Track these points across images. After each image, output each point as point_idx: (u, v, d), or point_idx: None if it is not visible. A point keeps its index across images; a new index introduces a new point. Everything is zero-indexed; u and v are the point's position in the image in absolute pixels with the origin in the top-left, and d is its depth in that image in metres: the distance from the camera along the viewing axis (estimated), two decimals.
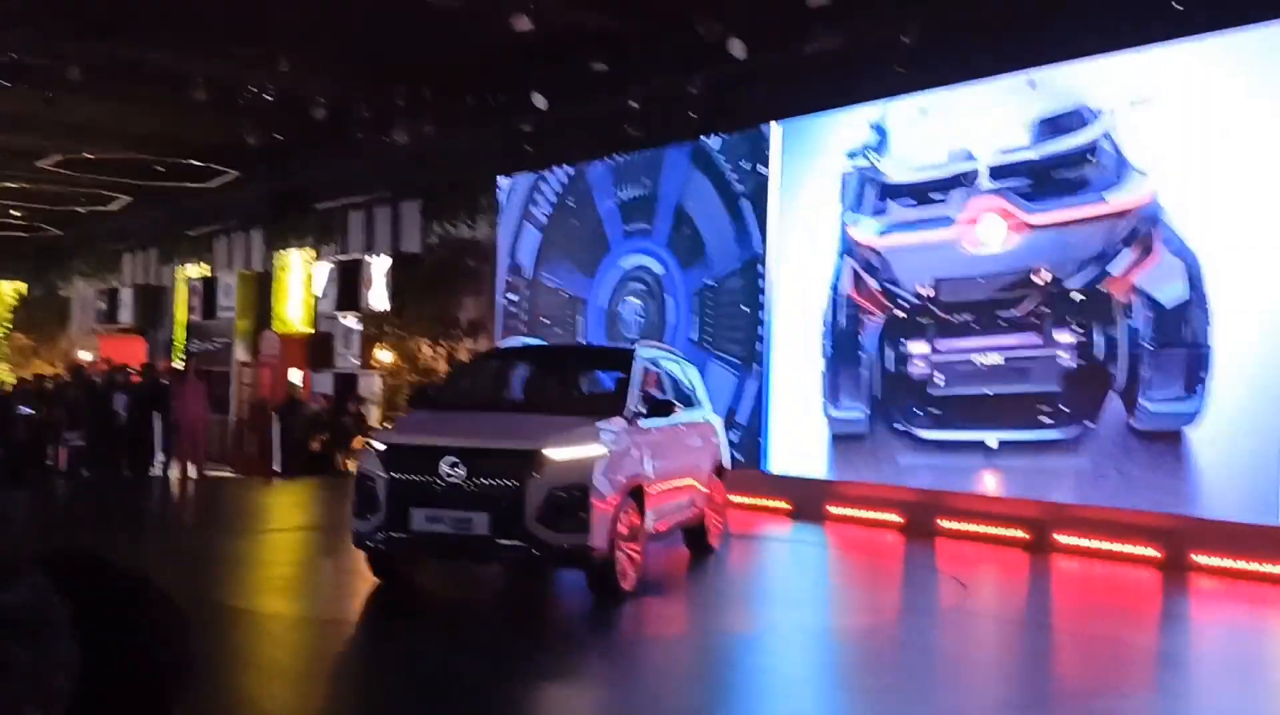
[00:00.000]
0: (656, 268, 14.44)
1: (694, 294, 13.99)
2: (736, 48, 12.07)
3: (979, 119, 11.06)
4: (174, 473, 15.73)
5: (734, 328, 13.52)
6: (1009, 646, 7.47)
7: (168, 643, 1.11)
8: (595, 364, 9.93)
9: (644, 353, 9.06)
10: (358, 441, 16.69)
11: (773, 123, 13.11)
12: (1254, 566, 9.01)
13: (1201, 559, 9.31)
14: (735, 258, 13.51)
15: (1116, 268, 10.05)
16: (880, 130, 11.95)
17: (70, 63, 14.06)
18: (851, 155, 12.19)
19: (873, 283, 11.97)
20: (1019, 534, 10.52)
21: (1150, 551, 9.65)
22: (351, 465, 17.05)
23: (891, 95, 11.73)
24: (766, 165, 13.18)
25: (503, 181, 16.74)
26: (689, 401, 9.63)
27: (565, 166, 15.71)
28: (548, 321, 15.75)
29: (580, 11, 12.65)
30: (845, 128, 12.35)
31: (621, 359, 9.01)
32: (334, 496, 13.86)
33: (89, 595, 1.06)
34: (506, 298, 16.44)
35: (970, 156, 11.09)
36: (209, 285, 23.08)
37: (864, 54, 11.82)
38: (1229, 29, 9.38)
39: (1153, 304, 9.79)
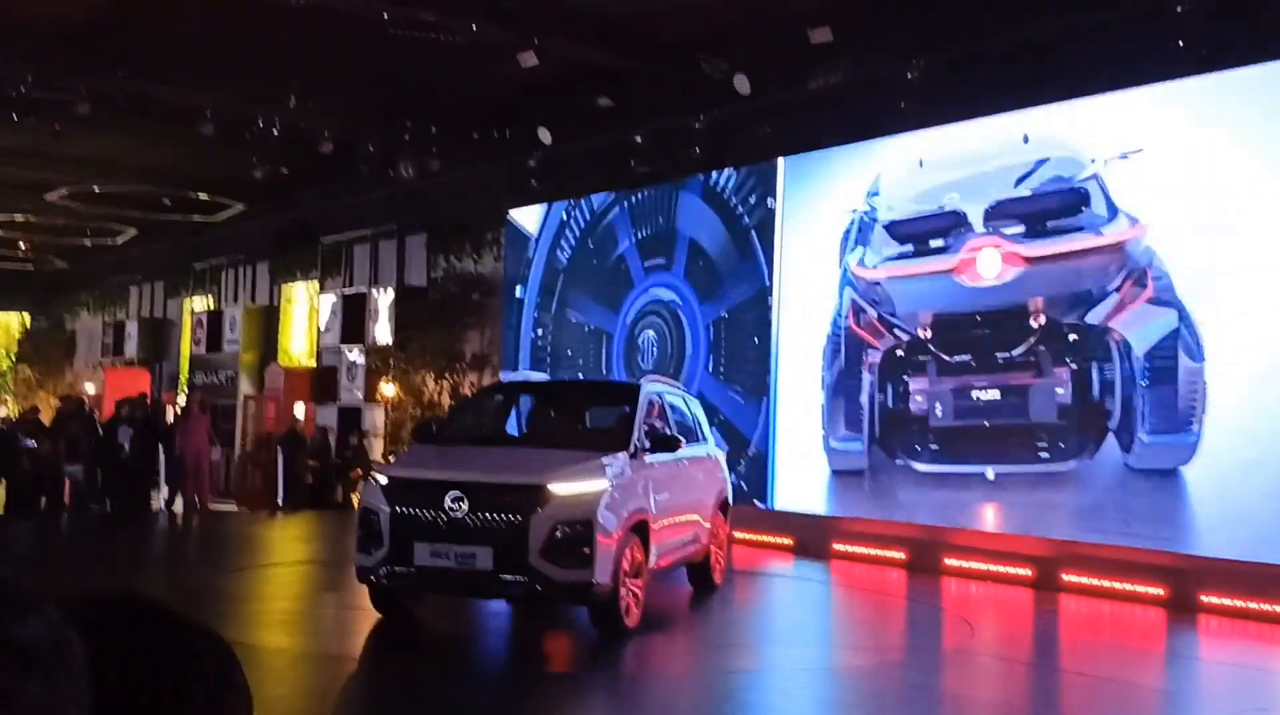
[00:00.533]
0: (676, 301, 14.48)
1: (710, 326, 14.02)
2: (741, 84, 12.17)
3: (975, 166, 11.15)
4: (178, 507, 15.68)
5: (745, 360, 13.54)
6: (1015, 687, 7.39)
7: (202, 678, 1.06)
8: (599, 399, 9.91)
9: (648, 387, 9.05)
10: (355, 474, 16.68)
11: (780, 158, 13.18)
12: (1261, 606, 8.92)
13: (1208, 598, 9.24)
14: (746, 289, 13.53)
15: (1109, 303, 10.09)
16: (879, 175, 12.04)
17: (78, 96, 14.18)
18: (853, 196, 12.25)
19: (873, 315, 12.01)
20: (1024, 572, 10.46)
21: (1156, 590, 9.58)
22: (355, 498, 17.02)
23: (895, 132, 11.80)
24: (774, 197, 13.24)
25: (520, 215, 16.74)
26: (693, 436, 9.60)
27: (582, 204, 15.77)
28: (572, 355, 15.78)
29: (586, 48, 12.77)
30: (849, 163, 12.42)
31: (626, 393, 8.99)
32: (337, 530, 13.81)
33: (113, 632, 1.03)
34: (534, 332, 16.45)
35: (966, 200, 11.16)
36: (214, 318, 23.12)
37: (868, 90, 11.90)
38: (1228, 68, 9.45)
39: (1145, 339, 9.81)
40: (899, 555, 11.47)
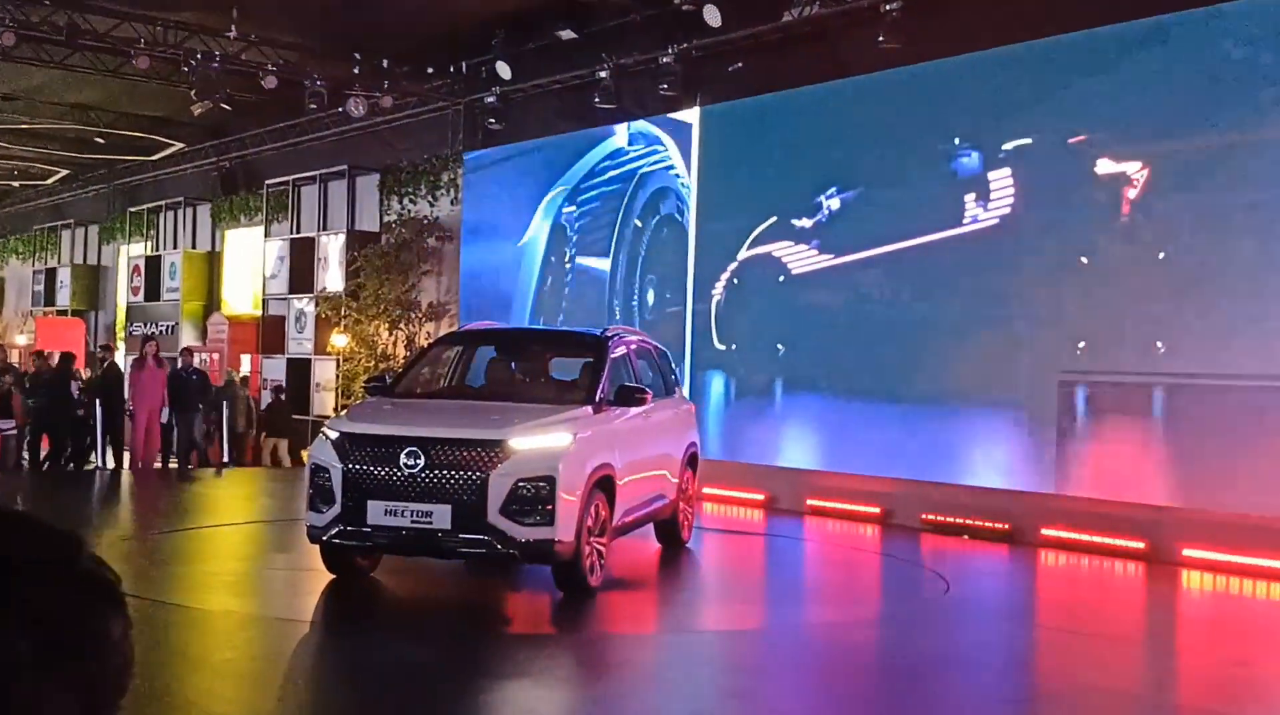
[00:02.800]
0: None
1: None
2: (712, 15, 11.65)
3: None
4: (123, 463, 15.09)
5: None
6: (989, 642, 7.28)
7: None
8: (564, 349, 9.54)
9: (615, 337, 8.68)
10: (266, 440, 16.20)
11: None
12: (1241, 560, 8.81)
13: (1188, 551, 9.12)
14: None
15: None
16: None
17: (2, 26, 13.40)
18: None
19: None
20: (1000, 526, 10.29)
21: (1134, 543, 9.44)
22: (273, 459, 16.49)
23: (874, 69, 11.37)
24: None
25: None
26: (661, 389, 9.24)
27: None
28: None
29: None
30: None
31: (591, 344, 8.67)
32: (284, 487, 13.38)
33: None
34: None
35: None
36: (153, 265, 22.35)
37: (845, 24, 11.47)
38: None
39: None
40: (874, 510, 11.24)
